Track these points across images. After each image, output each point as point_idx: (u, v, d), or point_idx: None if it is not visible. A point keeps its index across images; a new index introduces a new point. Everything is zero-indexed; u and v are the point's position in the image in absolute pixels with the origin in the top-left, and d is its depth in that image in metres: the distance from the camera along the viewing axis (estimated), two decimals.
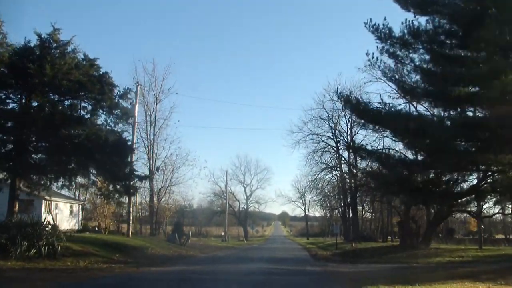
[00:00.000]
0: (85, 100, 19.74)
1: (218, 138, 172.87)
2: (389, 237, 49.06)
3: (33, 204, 35.10)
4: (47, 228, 17.78)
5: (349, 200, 53.35)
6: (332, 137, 50.45)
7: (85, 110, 20.06)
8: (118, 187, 21.04)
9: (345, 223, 55.64)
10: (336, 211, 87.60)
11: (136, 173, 24.34)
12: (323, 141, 50.71)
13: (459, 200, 24.28)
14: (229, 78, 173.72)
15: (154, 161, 45.09)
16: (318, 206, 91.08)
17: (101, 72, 19.73)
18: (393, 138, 25.86)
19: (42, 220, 19.24)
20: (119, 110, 20.33)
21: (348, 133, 49.27)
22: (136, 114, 31.53)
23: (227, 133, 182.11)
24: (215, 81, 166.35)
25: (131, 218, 31.24)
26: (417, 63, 17.88)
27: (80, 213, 43.80)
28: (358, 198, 51.69)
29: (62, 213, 39.30)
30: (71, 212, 41.45)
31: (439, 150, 16.21)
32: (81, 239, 22.66)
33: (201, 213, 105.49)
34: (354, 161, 46.13)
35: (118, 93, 20.38)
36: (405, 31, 17.10)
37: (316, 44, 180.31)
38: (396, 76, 17.86)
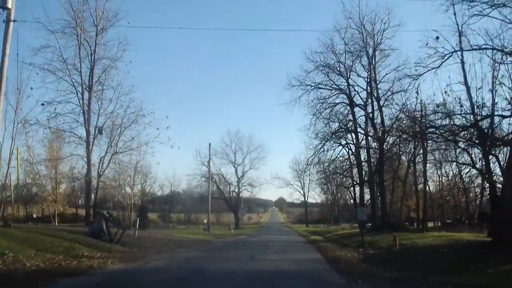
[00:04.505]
0: None
1: (201, 108, 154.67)
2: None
3: None
4: None
5: (365, 175, 38.20)
6: (344, 89, 34.82)
7: None
8: None
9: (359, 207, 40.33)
10: (341, 193, 73.26)
11: None
12: (333, 89, 34.97)
13: None
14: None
15: (97, 117, 29.81)
16: (319, 187, 76.39)
17: None
18: None
19: None
20: None
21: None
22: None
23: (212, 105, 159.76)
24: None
25: None
26: None
27: None
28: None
29: None
30: None
31: None
32: None
33: (189, 198, 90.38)
34: (379, 114, 30.96)
35: None
36: None
37: None
38: None
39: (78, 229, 25.98)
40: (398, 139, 36.41)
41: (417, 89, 19.24)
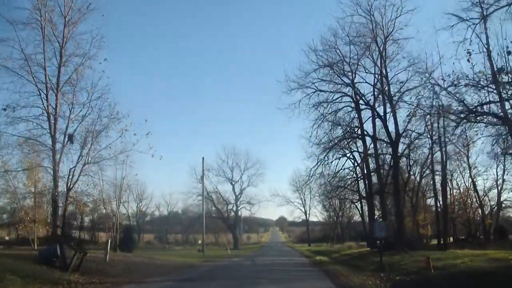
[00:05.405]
0: None
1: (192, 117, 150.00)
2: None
3: None
4: None
5: (372, 188, 33.49)
6: (349, 87, 30.31)
7: None
8: None
9: (367, 223, 35.59)
10: (343, 210, 68.18)
11: None
12: (337, 91, 30.58)
13: None
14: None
15: (67, 123, 25.09)
16: (321, 204, 71.28)
17: None
18: None
19: None
20: None
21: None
22: None
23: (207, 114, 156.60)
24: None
25: None
26: None
27: None
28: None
29: None
30: None
31: None
32: None
33: (187, 218, 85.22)
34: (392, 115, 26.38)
35: None
36: None
37: None
38: None
39: (35, 253, 21.31)
40: (407, 148, 32.23)
41: (469, 52, 13.84)
